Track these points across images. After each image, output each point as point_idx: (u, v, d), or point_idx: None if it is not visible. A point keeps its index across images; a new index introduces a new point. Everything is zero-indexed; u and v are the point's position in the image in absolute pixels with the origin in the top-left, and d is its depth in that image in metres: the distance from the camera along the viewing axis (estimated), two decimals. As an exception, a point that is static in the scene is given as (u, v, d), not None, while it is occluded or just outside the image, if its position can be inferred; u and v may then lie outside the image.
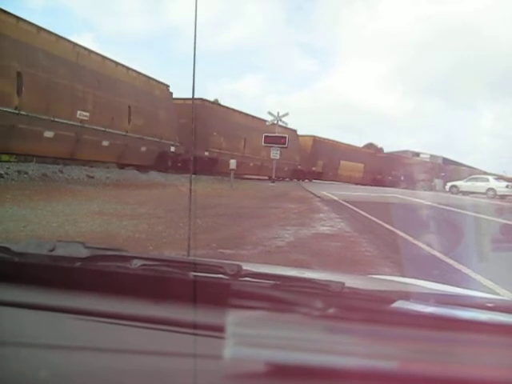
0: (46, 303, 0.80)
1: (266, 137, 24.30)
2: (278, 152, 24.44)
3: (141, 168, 16.81)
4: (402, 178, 34.80)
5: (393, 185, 30.30)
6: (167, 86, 19.13)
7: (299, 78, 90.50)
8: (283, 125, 26.76)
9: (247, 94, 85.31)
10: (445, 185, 29.88)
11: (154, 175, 17.36)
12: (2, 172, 11.30)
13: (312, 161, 31.41)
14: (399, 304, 0.78)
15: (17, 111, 11.21)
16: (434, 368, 0.65)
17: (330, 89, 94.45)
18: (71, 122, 12.87)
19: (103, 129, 14.05)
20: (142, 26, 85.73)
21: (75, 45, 13.72)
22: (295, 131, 30.44)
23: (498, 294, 3.50)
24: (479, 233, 7.35)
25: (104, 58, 14.85)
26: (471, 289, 1.37)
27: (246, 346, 0.69)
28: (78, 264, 0.86)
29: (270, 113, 26.62)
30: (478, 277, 4.24)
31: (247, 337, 0.70)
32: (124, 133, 15.37)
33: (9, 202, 7.66)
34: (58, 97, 12.37)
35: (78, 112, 13.12)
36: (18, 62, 11.24)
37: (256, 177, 26.05)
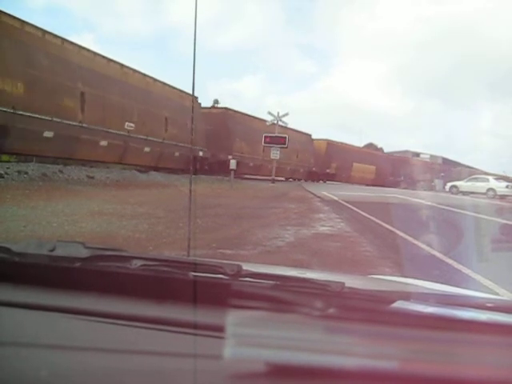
0: (46, 303, 0.80)
1: (265, 137, 24.37)
2: (278, 152, 24.49)
3: (176, 171, 18.61)
4: (402, 178, 35.08)
5: (403, 186, 30.80)
6: (196, 98, 21.00)
7: (299, 79, 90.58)
8: (297, 129, 29.00)
9: (247, 94, 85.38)
10: (445, 185, 29.86)
11: (154, 175, 17.37)
12: (2, 172, 11.30)
13: (326, 163, 32.90)
14: (399, 304, 0.78)
15: (80, 124, 13.61)
16: (434, 368, 0.65)
17: (329, 89, 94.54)
18: (120, 132, 15.32)
19: (145, 137, 16.52)
20: (143, 26, 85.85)
21: (122, 66, 16.39)
22: (310, 135, 32.38)
23: (497, 294, 3.50)
24: (479, 233, 7.35)
25: (145, 75, 17.29)
26: (471, 289, 1.37)
27: (246, 346, 0.69)
28: (78, 264, 0.86)
29: (269, 113, 26.74)
30: (478, 277, 4.24)
31: (247, 337, 0.70)
32: (161, 140, 17.85)
33: (9, 202, 7.66)
34: (110, 111, 14.69)
35: (126, 123, 15.57)
36: (82, 83, 13.72)
37: (256, 177, 26.21)
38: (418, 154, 48.41)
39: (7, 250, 0.89)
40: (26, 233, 5.30)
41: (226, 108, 22.74)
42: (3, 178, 11.04)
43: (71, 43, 14.06)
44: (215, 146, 20.98)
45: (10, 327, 0.77)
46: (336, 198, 14.82)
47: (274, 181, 24.10)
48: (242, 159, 22.85)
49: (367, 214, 9.98)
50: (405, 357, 0.69)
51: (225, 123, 21.80)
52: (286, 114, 26.58)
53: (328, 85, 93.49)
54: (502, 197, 24.21)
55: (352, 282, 0.88)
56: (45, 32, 12.80)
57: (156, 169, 18.15)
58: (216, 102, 25.77)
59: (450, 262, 4.93)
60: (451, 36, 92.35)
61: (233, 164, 19.02)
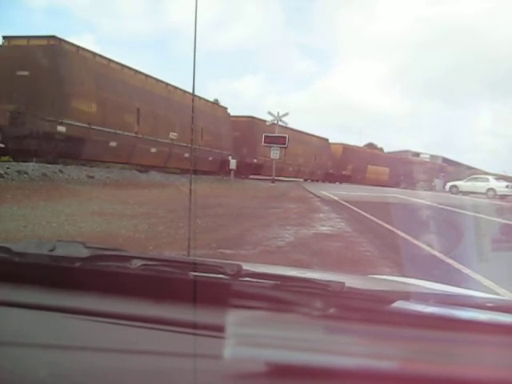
0: (46, 303, 0.80)
1: (265, 136, 24.53)
2: (278, 152, 24.60)
3: (209, 173, 21.04)
4: (402, 178, 35.59)
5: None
6: (226, 109, 25.06)
7: (299, 79, 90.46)
8: (317, 134, 32.82)
9: (247, 94, 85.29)
10: (445, 185, 29.86)
11: (153, 175, 17.39)
12: (2, 172, 11.30)
13: (342, 165, 35.57)
14: (399, 304, 0.78)
15: (136, 135, 16.75)
16: (434, 368, 0.65)
17: (329, 89, 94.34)
18: (166, 141, 18.13)
19: (185, 144, 18.86)
20: (143, 26, 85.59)
21: (167, 84, 19.54)
22: (327, 140, 35.37)
23: (497, 293, 3.50)
24: (479, 233, 7.34)
25: (184, 91, 19.63)
26: (471, 289, 1.37)
27: (246, 345, 0.69)
28: (78, 264, 0.86)
29: (269, 113, 26.92)
30: (478, 277, 4.24)
31: (247, 337, 0.70)
32: (198, 147, 20.53)
33: (9, 202, 7.66)
34: (158, 123, 17.70)
35: (170, 133, 18.37)
36: (137, 101, 16.86)
37: (255, 177, 26.60)
38: (418, 154, 48.43)
39: (7, 250, 0.89)
40: (26, 233, 5.30)
41: (251, 117, 25.38)
42: (3, 177, 11.04)
43: (129, 68, 17.34)
44: (242, 151, 23.69)
45: (10, 327, 0.77)
46: (336, 198, 14.81)
47: (274, 181, 24.13)
48: (265, 162, 25.44)
49: (367, 213, 9.98)
50: (405, 357, 0.69)
51: (251, 130, 24.62)
52: (286, 114, 26.77)
53: (328, 85, 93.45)
54: (502, 197, 24.19)
55: (352, 281, 0.88)
56: (110, 60, 16.07)
57: (194, 172, 20.23)
58: (216, 101, 25.90)
59: (450, 261, 4.93)
60: (451, 36, 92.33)
61: (232, 164, 19.20)
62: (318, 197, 15.57)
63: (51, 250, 0.91)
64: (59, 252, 0.90)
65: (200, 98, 21.47)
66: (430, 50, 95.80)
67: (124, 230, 6.14)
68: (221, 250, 5.08)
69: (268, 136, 24.76)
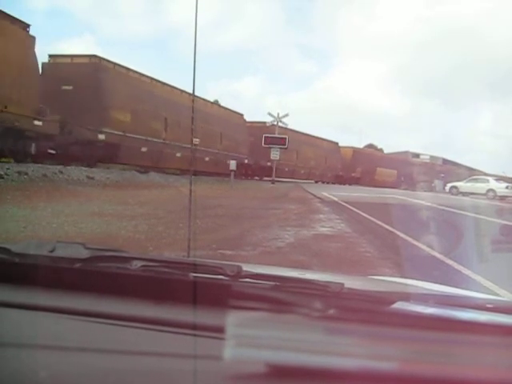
0: (46, 304, 0.80)
1: (265, 137, 24.66)
2: (278, 153, 24.67)
3: (228, 175, 22.90)
4: (403, 179, 36.04)
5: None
6: (242, 115, 27.23)
7: (299, 79, 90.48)
8: (327, 138, 35.01)
9: (247, 94, 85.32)
10: (445, 186, 29.86)
11: (153, 176, 17.40)
12: (2, 173, 11.30)
13: (352, 168, 37.15)
14: (399, 305, 0.78)
15: (164, 141, 18.77)
16: (434, 369, 0.65)
17: (329, 89, 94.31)
18: (189, 146, 18.84)
19: (206, 149, 20.99)
20: (143, 27, 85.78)
21: (190, 94, 19.61)
22: (337, 143, 37.31)
23: (497, 294, 3.50)
24: (479, 234, 7.34)
25: (205, 100, 22.29)
26: (471, 290, 1.37)
27: (246, 346, 0.69)
28: (78, 265, 0.86)
29: (270, 113, 27.07)
30: (478, 277, 4.23)
31: (247, 338, 0.70)
32: (217, 151, 22.90)
33: (9, 203, 7.66)
34: (182, 130, 18.89)
35: (194, 140, 19.02)
36: (165, 111, 18.75)
37: (255, 178, 26.87)
38: (417, 155, 48.46)
39: (7, 251, 0.89)
40: (26, 233, 5.30)
41: (265, 122, 27.30)
42: (3, 178, 11.04)
43: (157, 81, 19.40)
44: (257, 155, 25.69)
45: (10, 327, 0.77)
46: (336, 199, 14.81)
47: (273, 182, 24.15)
48: (278, 165, 27.11)
49: (367, 214, 9.98)
50: (405, 358, 0.69)
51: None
52: (286, 115, 26.89)
53: (328, 85, 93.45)
54: (502, 198, 24.18)
55: (352, 282, 0.88)
56: (141, 74, 18.16)
57: (215, 174, 23.01)
58: (216, 102, 26.07)
59: (450, 262, 4.93)
60: (451, 36, 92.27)
61: (232, 165, 19.29)
62: (319, 198, 15.56)
63: (51, 251, 0.91)
64: (59, 253, 0.90)
65: (219, 105, 24.51)
66: (429, 50, 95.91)
67: (124, 230, 6.13)
68: (221, 251, 5.07)
69: (268, 137, 24.90)
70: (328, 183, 33.55)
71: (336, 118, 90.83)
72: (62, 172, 13.53)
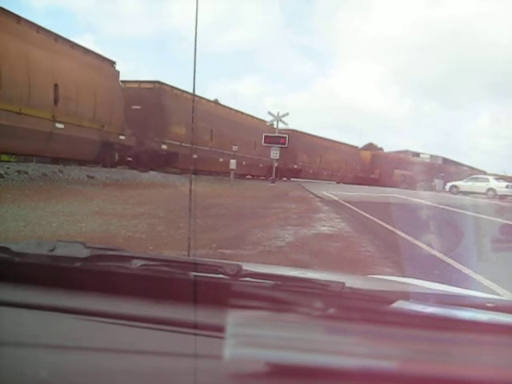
0: (46, 303, 0.80)
1: (265, 137, 24.85)
2: (278, 152, 24.77)
3: (260, 177, 27.25)
4: (403, 178, 36.53)
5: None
6: (265, 122, 29.47)
7: (298, 80, 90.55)
8: (349, 143, 39.46)
9: (246, 94, 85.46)
10: (445, 185, 29.86)
11: (153, 175, 17.41)
12: (2, 172, 11.30)
13: (370, 170, 40.55)
14: (399, 304, 0.78)
15: (210, 149, 22.16)
16: (434, 368, 0.65)
17: (328, 90, 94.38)
18: (229, 152, 22.73)
19: (243, 155, 24.39)
20: (144, 28, 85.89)
21: (230, 109, 25.35)
22: (357, 147, 41.43)
23: (497, 294, 3.50)
24: (479, 233, 7.34)
25: (242, 113, 26.34)
26: (471, 289, 1.37)
27: (247, 346, 0.68)
28: (78, 264, 0.86)
29: (269, 113, 27.27)
30: (478, 277, 4.24)
31: (247, 337, 0.70)
32: (251, 156, 26.62)
33: (9, 202, 7.66)
34: (225, 139, 23.23)
35: (233, 146, 22.91)
36: (210, 123, 21.85)
37: (257, 177, 27.25)
38: (417, 154, 48.48)
39: (7, 250, 0.89)
40: (26, 233, 5.30)
41: (292, 129, 30.12)
42: (3, 177, 11.05)
43: (204, 99, 22.55)
44: (286, 158, 28.54)
45: (10, 327, 0.77)
46: (336, 198, 14.81)
47: (273, 181, 24.18)
48: (304, 167, 31.86)
49: (367, 214, 9.98)
50: (405, 357, 0.69)
51: (292, 141, 28.63)
52: (286, 114, 27.07)
53: (327, 86, 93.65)
54: (502, 197, 24.18)
55: (352, 282, 0.88)
56: (193, 95, 19.23)
57: (251, 175, 27.44)
58: (216, 102, 26.21)
59: (450, 261, 4.93)
60: (450, 37, 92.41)
61: (232, 164, 19.45)
62: (319, 197, 15.56)
63: (51, 250, 0.91)
64: (59, 252, 0.90)
65: (252, 116, 28.09)
66: (429, 51, 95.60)
67: (124, 229, 6.13)
68: (221, 250, 5.08)
69: (268, 136, 25.12)
70: (348, 184, 34.99)
71: (335, 118, 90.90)
72: (61, 171, 13.54)
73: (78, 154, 14.62)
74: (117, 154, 16.80)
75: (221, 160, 22.82)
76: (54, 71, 13.07)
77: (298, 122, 42.70)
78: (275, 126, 27.75)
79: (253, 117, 28.00)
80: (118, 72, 17.18)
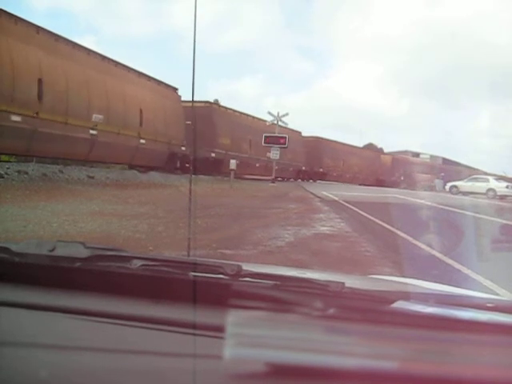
0: (46, 303, 0.80)
1: (266, 137, 24.91)
2: (278, 152, 24.81)
3: (289, 179, 30.30)
4: (402, 178, 36.75)
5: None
6: (300, 132, 33.15)
7: (298, 80, 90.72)
8: (369, 149, 43.81)
9: (246, 95, 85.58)
10: (445, 185, 29.86)
11: (153, 175, 17.43)
12: (2, 172, 11.31)
13: (391, 173, 42.83)
14: (399, 304, 0.78)
15: (249, 156, 25.93)
16: (434, 368, 0.65)
17: (328, 90, 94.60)
18: (264, 158, 26.24)
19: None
20: (144, 28, 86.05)
21: (265, 121, 28.32)
22: (378, 153, 44.90)
23: (497, 294, 3.50)
24: (479, 233, 7.34)
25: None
26: (471, 289, 1.37)
27: (246, 346, 0.68)
28: (78, 264, 0.86)
29: (269, 112, 27.46)
30: (478, 277, 4.23)
31: (247, 337, 0.70)
32: (283, 161, 28.10)
33: (9, 202, 7.65)
34: (261, 148, 25.97)
35: (267, 153, 25.65)
36: (249, 134, 25.91)
37: (257, 177, 27.22)
38: (417, 154, 48.53)
39: (7, 250, 0.89)
40: (26, 233, 5.30)
41: (317, 137, 34.80)
42: (3, 178, 11.05)
43: (243, 114, 26.92)
44: (311, 162, 32.93)
45: (10, 327, 0.77)
46: (336, 199, 14.81)
47: (273, 181, 24.21)
48: (328, 171, 35.11)
49: (367, 214, 9.98)
50: (405, 357, 0.69)
51: (317, 147, 33.72)
52: (286, 114, 27.21)
53: (327, 86, 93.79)
54: (502, 197, 24.19)
55: (352, 282, 0.88)
56: (234, 111, 25.81)
57: (276, 178, 28.90)
58: (216, 102, 26.29)
59: (450, 262, 4.93)
60: (450, 37, 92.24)
61: (232, 164, 19.44)
62: (319, 197, 15.56)
63: (51, 251, 0.91)
64: (59, 252, 0.90)
65: (284, 127, 30.32)
66: (428, 51, 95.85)
67: (124, 230, 6.13)
68: (221, 251, 5.07)
69: (268, 136, 25.16)
70: (369, 186, 35.96)
71: (335, 118, 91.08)
72: (62, 171, 13.54)
73: (152, 162, 18.60)
74: (178, 162, 20.38)
75: (257, 165, 26.93)
76: (139, 100, 17.33)
77: (298, 122, 43.07)
78: (295, 131, 30.42)
79: (280, 126, 30.40)
80: (180, 96, 21.00)
